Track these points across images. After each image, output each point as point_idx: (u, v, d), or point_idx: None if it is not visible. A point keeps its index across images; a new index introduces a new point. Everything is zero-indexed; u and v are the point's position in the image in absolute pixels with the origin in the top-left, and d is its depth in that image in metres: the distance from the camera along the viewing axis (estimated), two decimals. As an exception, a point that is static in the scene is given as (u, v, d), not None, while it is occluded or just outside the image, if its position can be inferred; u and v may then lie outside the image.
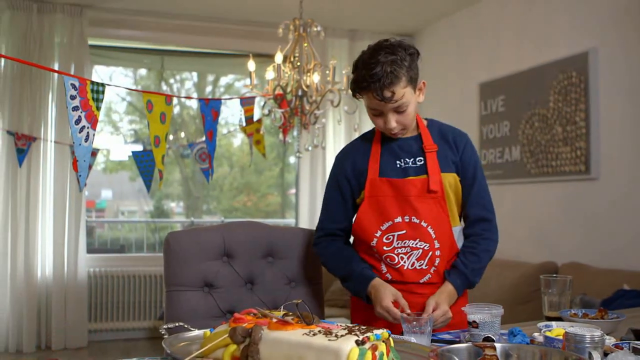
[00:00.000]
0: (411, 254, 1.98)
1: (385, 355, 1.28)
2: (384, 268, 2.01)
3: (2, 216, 5.23)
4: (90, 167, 2.49)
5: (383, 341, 1.29)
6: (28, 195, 5.28)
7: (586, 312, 1.93)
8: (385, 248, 1.99)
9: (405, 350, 1.42)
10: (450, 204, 2.03)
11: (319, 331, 1.28)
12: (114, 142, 7.90)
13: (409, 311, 1.80)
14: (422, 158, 2.03)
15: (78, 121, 2.04)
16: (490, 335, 1.56)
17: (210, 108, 2.93)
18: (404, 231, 1.98)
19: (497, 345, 1.32)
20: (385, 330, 1.30)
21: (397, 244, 1.98)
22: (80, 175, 2.10)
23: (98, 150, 4.68)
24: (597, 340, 1.33)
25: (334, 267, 2.12)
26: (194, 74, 7.93)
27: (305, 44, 4.23)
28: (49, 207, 5.35)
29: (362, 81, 1.92)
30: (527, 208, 4.75)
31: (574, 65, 4.29)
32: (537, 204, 4.66)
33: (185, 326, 1.58)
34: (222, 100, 3.08)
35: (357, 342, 1.21)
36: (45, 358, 5.11)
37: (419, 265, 1.98)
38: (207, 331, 1.43)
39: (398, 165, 2.04)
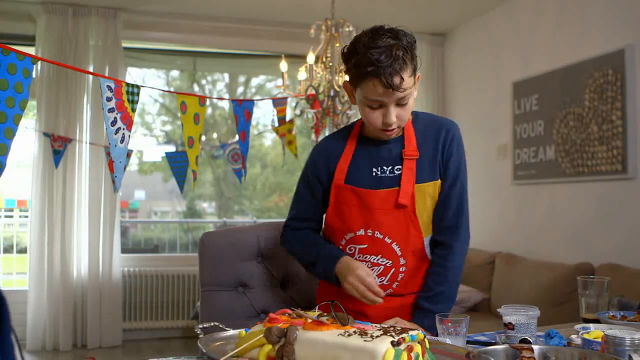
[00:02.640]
0: (372, 269, 1.82)
1: (420, 357, 1.27)
2: None
3: (39, 216, 5.32)
4: (125, 168, 2.52)
5: (418, 342, 1.29)
6: (64, 195, 5.36)
7: (624, 314, 1.90)
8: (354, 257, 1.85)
9: (441, 350, 1.41)
10: (423, 217, 1.83)
11: (354, 332, 1.28)
12: (147, 143, 7.99)
13: (377, 289, 1.74)
14: (400, 167, 1.83)
15: (114, 122, 2.06)
16: (527, 337, 1.54)
17: (243, 109, 2.94)
18: (366, 245, 1.82)
19: (535, 347, 1.31)
20: (420, 331, 1.29)
21: (359, 257, 1.84)
22: (116, 176, 2.12)
23: (132, 151, 4.73)
24: (637, 343, 1.31)
25: (301, 253, 1.96)
26: (226, 75, 7.99)
27: (337, 44, 4.23)
28: (84, 207, 5.43)
29: (367, 65, 1.68)
30: (562, 209, 4.68)
31: (610, 63, 4.22)
32: (572, 205, 4.59)
33: (220, 326, 1.59)
34: (255, 101, 3.09)
35: (392, 343, 1.21)
36: (81, 356, 5.18)
37: (380, 282, 1.82)
38: (242, 331, 1.43)
39: (373, 174, 1.85)
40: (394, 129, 1.80)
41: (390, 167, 1.84)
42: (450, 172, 1.86)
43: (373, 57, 1.67)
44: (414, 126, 1.89)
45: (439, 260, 1.86)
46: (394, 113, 1.75)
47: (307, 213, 1.98)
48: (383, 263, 1.82)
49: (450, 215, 1.87)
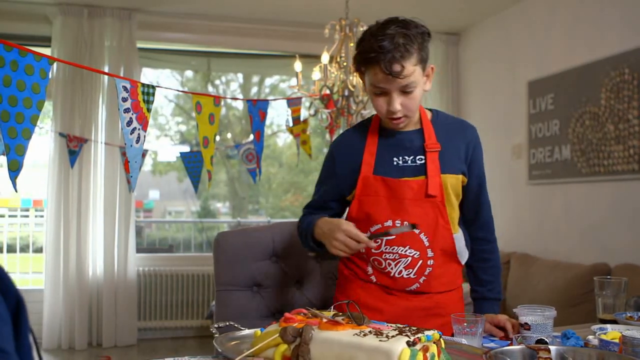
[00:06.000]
0: (399, 261, 1.81)
1: (436, 357, 1.27)
2: (370, 270, 1.87)
3: (55, 216, 5.36)
4: (140, 168, 2.53)
5: (434, 342, 1.28)
6: (80, 195, 5.40)
7: (642, 315, 1.88)
8: (373, 251, 1.83)
9: (457, 350, 1.40)
10: (452, 209, 1.85)
11: (370, 332, 1.28)
12: (161, 143, 8.02)
13: (365, 238, 1.70)
14: (422, 157, 1.83)
15: (129, 123, 2.07)
16: (543, 338, 1.53)
17: (257, 109, 2.95)
18: (393, 236, 1.79)
19: (552, 347, 1.30)
20: (436, 331, 1.29)
21: (385, 249, 1.81)
22: (131, 176, 2.13)
23: (147, 151, 4.75)
24: (656, 344, 1.30)
25: (300, 233, 1.95)
26: (240, 75, 8.01)
27: (352, 44, 4.23)
28: (99, 207, 5.46)
29: (369, 52, 1.72)
30: (577, 208, 4.65)
31: (626, 62, 4.19)
32: (588, 204, 4.56)
33: (236, 325, 1.60)
34: (269, 101, 3.10)
35: (408, 343, 1.21)
36: (96, 355, 5.21)
37: (407, 274, 1.81)
38: (258, 330, 1.43)
39: (395, 163, 1.84)
40: (400, 118, 1.78)
41: (412, 157, 1.84)
42: (479, 171, 1.92)
43: (375, 45, 1.70)
44: (433, 122, 1.89)
45: (487, 255, 1.96)
46: (397, 101, 1.74)
47: (322, 202, 1.97)
48: (411, 254, 1.80)
49: (487, 210, 1.96)
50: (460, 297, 1.95)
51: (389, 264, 1.81)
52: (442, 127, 1.88)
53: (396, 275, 1.81)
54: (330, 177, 1.95)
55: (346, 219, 1.90)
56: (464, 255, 1.92)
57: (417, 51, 1.73)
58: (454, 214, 1.87)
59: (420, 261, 1.80)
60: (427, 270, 1.81)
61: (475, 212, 1.94)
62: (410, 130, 1.86)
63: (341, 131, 4.71)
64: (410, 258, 1.80)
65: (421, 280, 1.82)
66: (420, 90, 1.78)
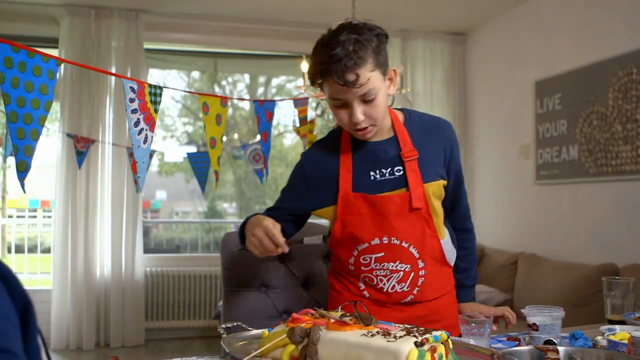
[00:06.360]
0: (391, 277, 1.76)
1: (444, 357, 1.27)
2: (362, 285, 1.81)
3: (62, 217, 5.38)
4: (147, 168, 2.54)
5: (442, 343, 1.28)
6: (87, 196, 5.42)
7: (651, 316, 1.87)
8: (363, 268, 1.78)
9: (465, 351, 1.40)
10: (436, 217, 1.79)
11: (377, 332, 1.28)
12: (168, 144, 8.04)
13: (280, 240, 1.62)
14: (401, 168, 1.74)
15: (137, 123, 2.07)
16: (551, 338, 1.53)
17: (264, 109, 2.95)
18: (382, 253, 1.74)
19: (560, 348, 1.30)
20: (444, 331, 1.29)
21: (375, 266, 1.76)
22: (139, 177, 2.14)
23: (154, 152, 4.76)
24: (665, 345, 1.29)
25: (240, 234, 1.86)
26: (246, 75, 8.02)
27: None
28: (107, 207, 5.48)
29: (321, 63, 1.62)
30: (585, 208, 4.64)
31: (634, 61, 4.17)
32: (595, 204, 4.54)
33: (243, 326, 1.60)
34: (276, 102, 3.10)
35: (416, 343, 1.21)
36: (104, 355, 5.23)
37: (400, 288, 1.77)
38: (266, 331, 1.44)
39: (372, 178, 1.75)
40: (366, 129, 1.69)
41: (389, 169, 1.75)
42: (457, 167, 1.85)
43: (326, 55, 1.60)
44: (407, 125, 1.80)
45: (465, 244, 1.97)
46: (358, 111, 1.64)
47: (282, 215, 1.86)
48: (402, 269, 1.75)
49: (464, 202, 1.93)
50: (454, 300, 1.93)
51: (381, 280, 1.77)
52: (417, 129, 1.80)
53: (389, 290, 1.77)
54: (297, 193, 1.88)
55: (329, 239, 1.85)
56: (452, 257, 1.90)
57: (373, 56, 1.63)
58: (439, 220, 1.81)
59: (412, 273, 1.76)
60: (420, 281, 1.77)
61: (452, 205, 1.90)
62: (383, 140, 1.77)
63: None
64: (401, 272, 1.75)
65: (415, 292, 1.78)
66: (384, 96, 1.68)
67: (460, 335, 1.64)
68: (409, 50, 6.09)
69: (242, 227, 1.81)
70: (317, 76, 1.67)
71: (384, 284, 1.77)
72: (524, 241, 5.20)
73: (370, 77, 1.61)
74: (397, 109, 1.86)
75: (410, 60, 6.08)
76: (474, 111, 6.12)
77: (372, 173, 1.75)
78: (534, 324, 1.58)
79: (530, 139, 5.24)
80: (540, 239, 5.06)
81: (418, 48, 6.12)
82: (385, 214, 1.72)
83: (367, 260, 1.76)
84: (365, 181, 1.75)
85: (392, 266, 1.75)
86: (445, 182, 1.81)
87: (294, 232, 1.93)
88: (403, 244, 1.73)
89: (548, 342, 1.51)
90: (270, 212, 1.90)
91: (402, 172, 1.74)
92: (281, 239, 1.62)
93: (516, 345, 1.63)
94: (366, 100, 1.64)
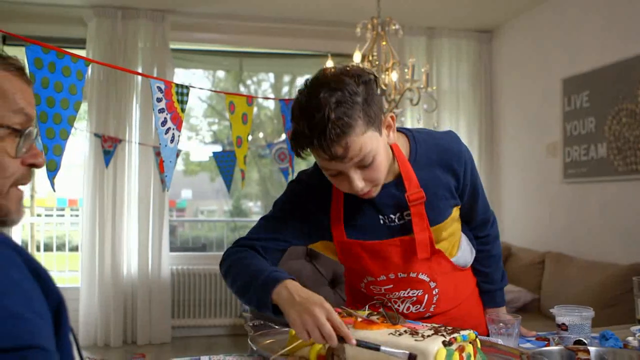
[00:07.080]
0: (405, 300, 1.69)
1: (472, 357, 1.26)
2: (377, 303, 1.70)
3: (90, 215, 5.44)
4: (174, 167, 2.56)
5: (470, 342, 1.27)
6: (114, 195, 5.47)
7: (683, 316, 1.84)
8: (375, 292, 1.71)
9: (493, 350, 1.39)
10: (445, 245, 1.68)
11: (405, 331, 1.28)
12: (193, 144, 8.09)
13: (347, 332, 1.31)
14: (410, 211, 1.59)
15: (164, 123, 2.09)
16: (581, 339, 1.51)
17: (290, 108, 2.95)
18: (391, 285, 1.66)
19: (591, 349, 1.28)
20: (472, 331, 1.28)
21: (386, 294, 1.69)
22: (166, 176, 2.15)
23: (180, 151, 4.79)
24: (698, 346, 1.27)
25: (235, 274, 1.56)
26: (271, 74, 8.03)
27: (384, 43, 4.22)
28: (134, 206, 5.53)
29: (301, 135, 1.38)
30: (614, 207, 4.57)
31: (664, 58, 4.11)
32: (625, 203, 4.48)
33: (270, 324, 1.60)
34: (301, 101, 3.11)
35: (444, 342, 1.20)
36: (131, 352, 5.27)
37: (416, 310, 1.70)
38: (293, 330, 1.44)
39: (382, 222, 1.61)
40: (370, 191, 1.49)
41: (398, 214, 1.60)
42: (472, 187, 1.71)
43: (305, 126, 1.37)
44: (413, 160, 1.61)
45: (482, 247, 1.84)
46: (357, 178, 1.43)
47: (267, 233, 1.66)
48: (414, 294, 1.68)
49: (482, 210, 1.79)
50: (477, 301, 1.88)
51: (395, 302, 1.70)
52: (424, 161, 1.61)
53: (405, 311, 1.71)
54: (295, 215, 1.66)
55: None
56: (469, 259, 1.83)
57: (362, 114, 1.38)
58: (454, 239, 1.73)
59: (427, 296, 1.69)
60: (435, 299, 1.70)
61: (471, 216, 1.79)
62: (388, 183, 1.58)
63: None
64: (415, 297, 1.69)
65: (432, 309, 1.73)
66: (384, 154, 1.47)
67: (487, 335, 1.63)
68: (434, 48, 6.06)
69: (271, 285, 1.44)
70: (300, 150, 1.44)
71: (399, 306, 1.71)
72: (551, 240, 5.14)
73: (362, 142, 1.39)
74: (401, 130, 1.67)
75: (436, 58, 6.05)
76: (500, 109, 6.07)
77: (380, 217, 1.61)
78: (563, 324, 1.56)
79: (557, 137, 5.18)
80: (567, 238, 5.00)
81: (444, 46, 6.08)
82: (388, 258, 1.62)
83: (377, 288, 1.70)
84: (372, 225, 1.62)
85: (404, 293, 1.68)
86: (459, 207, 1.71)
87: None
88: (411, 274, 1.64)
89: (578, 342, 1.49)
90: (262, 243, 1.65)
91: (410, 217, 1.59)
92: (347, 333, 1.29)
93: (545, 345, 1.62)
94: (363, 166, 1.43)
